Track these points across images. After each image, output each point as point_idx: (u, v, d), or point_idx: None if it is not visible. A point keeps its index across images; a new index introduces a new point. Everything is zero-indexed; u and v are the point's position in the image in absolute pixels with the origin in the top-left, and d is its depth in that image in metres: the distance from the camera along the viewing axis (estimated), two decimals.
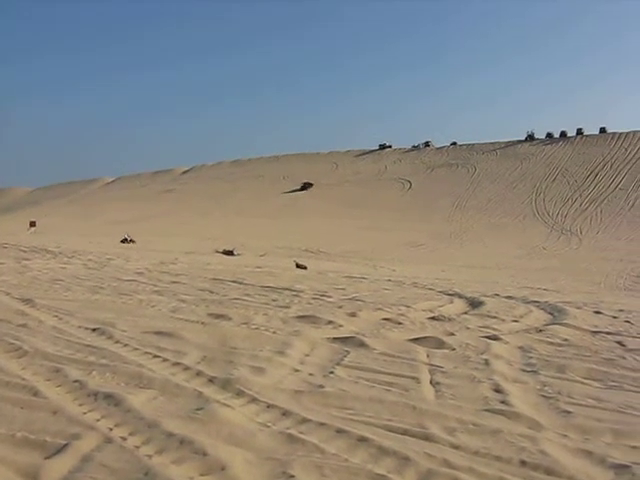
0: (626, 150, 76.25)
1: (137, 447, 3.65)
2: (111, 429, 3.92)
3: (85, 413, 4.21)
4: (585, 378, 5.77)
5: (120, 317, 8.01)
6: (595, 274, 30.53)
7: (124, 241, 39.16)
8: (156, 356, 5.89)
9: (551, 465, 3.63)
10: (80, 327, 7.24)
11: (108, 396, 4.51)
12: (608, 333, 8.39)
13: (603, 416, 4.60)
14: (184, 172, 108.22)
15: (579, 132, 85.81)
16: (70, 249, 23.22)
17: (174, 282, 13.09)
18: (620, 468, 3.65)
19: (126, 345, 6.34)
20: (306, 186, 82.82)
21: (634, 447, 4.02)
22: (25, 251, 21.34)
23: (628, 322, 9.82)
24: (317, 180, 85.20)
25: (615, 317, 10.40)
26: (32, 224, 50.89)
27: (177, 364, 5.60)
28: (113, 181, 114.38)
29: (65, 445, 3.63)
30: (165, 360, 5.74)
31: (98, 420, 4.08)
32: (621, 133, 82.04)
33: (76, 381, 4.91)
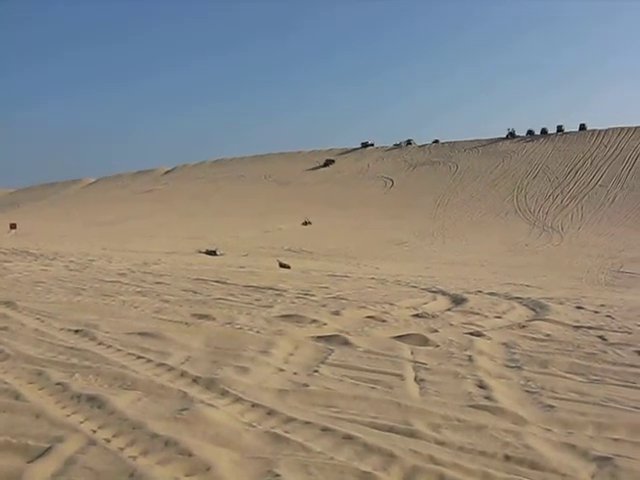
0: (605, 147, 76.96)
1: (121, 449, 3.63)
2: (95, 431, 3.89)
3: (68, 416, 4.18)
4: (568, 372, 5.82)
5: (103, 318, 7.95)
6: (577, 270, 30.78)
7: (305, 223, 54.50)
8: (140, 357, 5.86)
9: (535, 459, 3.66)
10: (62, 329, 7.18)
11: (91, 398, 4.47)
12: (590, 328, 8.48)
13: (586, 410, 4.64)
14: (166, 172, 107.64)
15: (559, 129, 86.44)
16: (51, 251, 23.02)
17: (157, 283, 13.02)
18: (602, 460, 3.69)
19: (109, 346, 6.30)
20: (328, 163, 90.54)
21: (616, 439, 4.07)
22: (5, 253, 21.12)
23: (609, 317, 9.92)
24: (299, 179, 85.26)
25: (597, 312, 10.50)
26: (12, 226, 50.34)
27: (161, 365, 5.57)
28: (94, 182, 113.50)
29: (48, 448, 3.60)
30: (149, 361, 5.71)
31: (82, 422, 4.04)
32: (600, 130, 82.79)
33: (59, 384, 4.86)
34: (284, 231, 51.09)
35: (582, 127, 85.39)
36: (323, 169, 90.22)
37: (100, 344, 6.42)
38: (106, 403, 4.36)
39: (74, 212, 75.12)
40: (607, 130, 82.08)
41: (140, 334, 6.90)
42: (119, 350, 6.14)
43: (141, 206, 76.18)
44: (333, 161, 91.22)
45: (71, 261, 18.74)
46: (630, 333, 8.21)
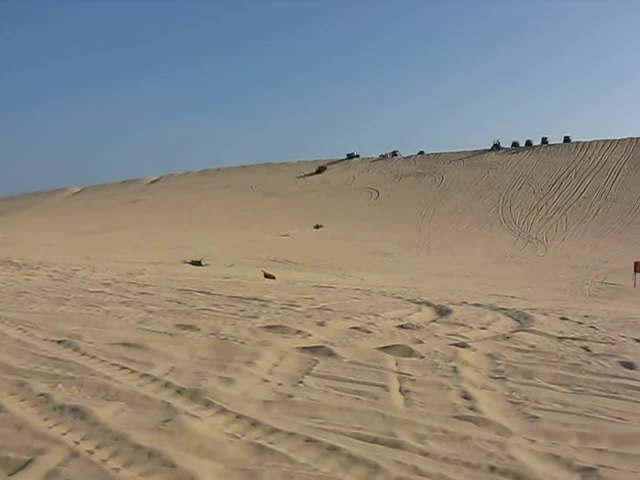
0: (589, 159, 77.69)
1: (104, 460, 3.60)
2: (77, 443, 3.85)
3: (50, 427, 4.13)
4: (552, 383, 5.84)
5: (86, 329, 7.90)
6: (561, 281, 30.96)
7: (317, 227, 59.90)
8: (123, 368, 5.82)
9: (519, 470, 3.67)
10: (45, 339, 7.12)
11: (74, 409, 4.43)
12: (574, 339, 8.52)
13: (570, 420, 4.66)
14: (152, 182, 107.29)
15: (544, 141, 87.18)
16: (35, 260, 22.84)
17: (142, 293, 12.95)
18: (586, 471, 3.70)
19: (93, 357, 6.25)
20: (320, 170, 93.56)
21: (600, 450, 4.08)
22: None
23: (593, 327, 9.99)
24: (285, 189, 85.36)
25: (580, 323, 10.57)
26: None
27: (145, 375, 5.53)
28: (80, 191, 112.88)
29: (29, 461, 3.55)
30: (133, 372, 5.67)
31: (64, 434, 4.00)
32: (584, 142, 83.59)
33: (41, 395, 4.81)
34: (269, 241, 51.08)
35: (566, 139, 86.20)
36: (311, 177, 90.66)
37: (83, 355, 6.37)
38: (89, 414, 4.32)
39: (59, 221, 74.64)
40: (591, 142, 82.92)
41: (124, 344, 6.85)
42: (103, 361, 6.10)
43: (126, 216, 75.84)
44: (325, 168, 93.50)
45: (55, 271, 18.61)
46: (613, 344, 8.26)
